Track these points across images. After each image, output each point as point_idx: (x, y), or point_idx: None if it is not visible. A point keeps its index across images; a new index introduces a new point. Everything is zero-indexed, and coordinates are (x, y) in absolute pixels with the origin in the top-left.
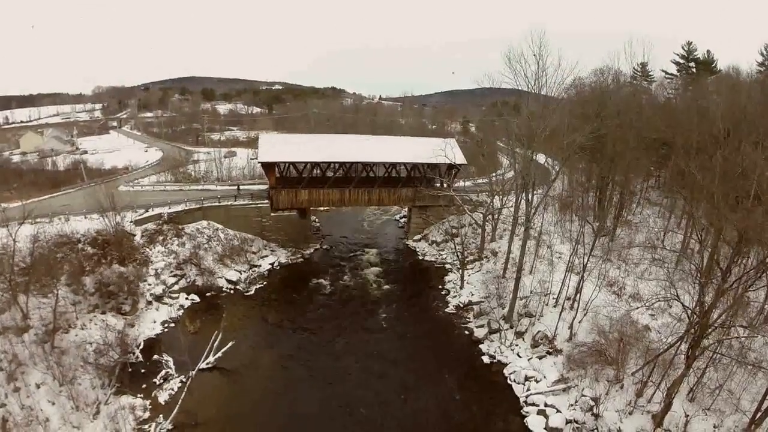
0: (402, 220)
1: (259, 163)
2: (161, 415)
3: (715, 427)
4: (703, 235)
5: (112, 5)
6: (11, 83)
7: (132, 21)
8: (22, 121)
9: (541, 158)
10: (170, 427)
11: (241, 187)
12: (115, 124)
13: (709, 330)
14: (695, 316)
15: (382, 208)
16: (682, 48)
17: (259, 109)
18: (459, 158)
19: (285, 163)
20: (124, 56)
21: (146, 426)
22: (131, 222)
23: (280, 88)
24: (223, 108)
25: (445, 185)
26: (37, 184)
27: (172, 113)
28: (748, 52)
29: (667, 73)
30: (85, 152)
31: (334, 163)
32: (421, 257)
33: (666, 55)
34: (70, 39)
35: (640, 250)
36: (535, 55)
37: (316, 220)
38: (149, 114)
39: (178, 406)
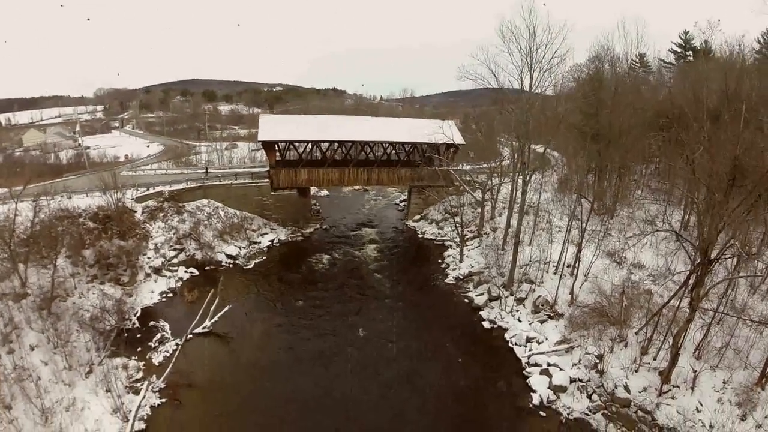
0: (402, 204)
1: (259, 141)
2: (154, 375)
3: (724, 382)
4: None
5: (112, 9)
6: (13, 86)
7: (133, 25)
8: (24, 123)
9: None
10: (163, 385)
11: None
12: (117, 124)
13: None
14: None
15: (382, 194)
16: (679, 37)
17: (260, 110)
18: (458, 138)
19: (285, 142)
20: (125, 60)
21: (138, 384)
22: (132, 199)
23: (281, 89)
24: (224, 108)
25: (443, 164)
26: (41, 173)
27: (173, 114)
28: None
29: (664, 62)
30: (88, 147)
31: (334, 142)
32: (420, 235)
33: (662, 41)
34: (72, 43)
35: (640, 226)
36: (526, 24)
37: (316, 203)
38: (151, 115)
39: (171, 365)
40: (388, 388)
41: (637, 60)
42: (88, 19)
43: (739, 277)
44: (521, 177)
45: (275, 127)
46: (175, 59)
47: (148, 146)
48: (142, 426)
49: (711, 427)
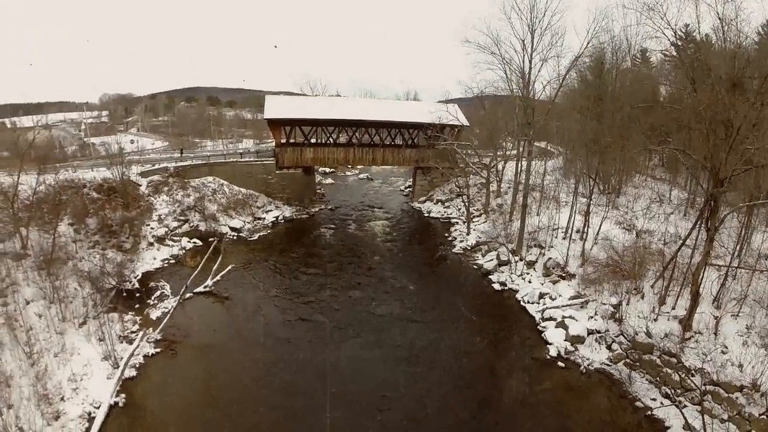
0: (407, 190)
1: (265, 119)
2: (150, 328)
3: (747, 327)
4: None
5: (117, 17)
6: (19, 92)
7: (137, 33)
8: (29, 126)
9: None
10: (158, 337)
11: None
12: (122, 128)
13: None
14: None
15: (387, 182)
16: (680, 30)
17: (263, 116)
18: (462, 119)
19: (290, 120)
20: (130, 67)
21: (133, 335)
22: (137, 174)
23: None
24: (229, 114)
25: (448, 143)
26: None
27: (178, 119)
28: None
29: (666, 55)
30: (93, 144)
31: (340, 122)
32: (426, 214)
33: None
34: (78, 50)
35: (646, 204)
36: None
37: (321, 188)
38: (156, 119)
39: (168, 317)
40: (400, 346)
41: (638, 56)
42: (88, 41)
43: (757, 203)
44: (525, 141)
45: (282, 105)
46: (178, 67)
47: (153, 143)
48: (133, 373)
49: (740, 365)
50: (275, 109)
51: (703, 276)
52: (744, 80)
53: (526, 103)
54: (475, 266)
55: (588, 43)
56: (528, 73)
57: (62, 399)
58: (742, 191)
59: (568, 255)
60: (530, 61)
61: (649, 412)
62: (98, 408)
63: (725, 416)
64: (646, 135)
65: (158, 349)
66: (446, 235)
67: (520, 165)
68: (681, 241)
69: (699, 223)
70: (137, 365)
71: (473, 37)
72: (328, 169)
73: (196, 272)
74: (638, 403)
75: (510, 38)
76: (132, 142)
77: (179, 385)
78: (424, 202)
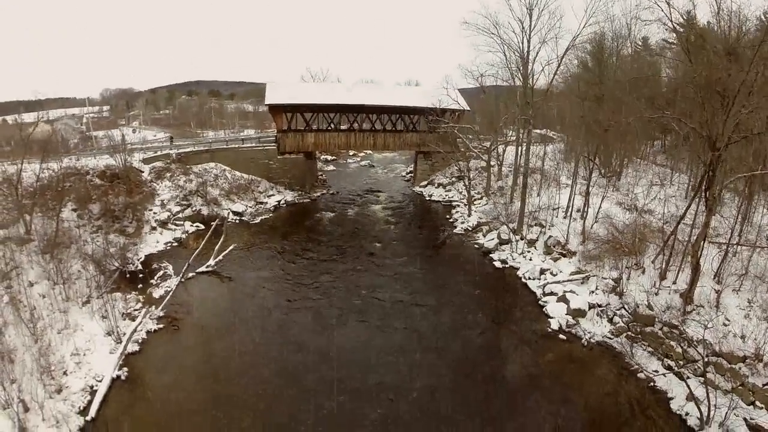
0: (408, 176)
1: (266, 105)
2: (153, 306)
3: (749, 302)
4: None
5: (116, 11)
6: (19, 88)
7: (138, 26)
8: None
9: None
10: (161, 314)
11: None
12: (123, 121)
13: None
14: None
15: (388, 168)
16: (682, 17)
17: (266, 108)
18: (462, 103)
19: (292, 106)
20: (131, 61)
21: (136, 312)
22: (140, 161)
23: None
24: (230, 106)
25: (449, 126)
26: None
27: (180, 112)
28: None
29: (667, 42)
30: (95, 136)
31: (341, 107)
32: (428, 198)
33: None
34: (78, 45)
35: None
36: None
37: (323, 174)
38: (157, 113)
39: (170, 295)
40: (404, 327)
41: (641, 43)
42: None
43: (755, 173)
44: (525, 120)
45: (283, 91)
46: (179, 62)
47: (155, 135)
48: (136, 348)
49: (743, 336)
50: (277, 94)
51: (702, 247)
52: (739, 50)
53: (525, 83)
54: (476, 246)
55: (586, 23)
56: (526, 53)
57: (65, 373)
58: (739, 161)
59: (568, 233)
60: (529, 41)
61: (652, 384)
62: (100, 381)
63: (728, 387)
64: (644, 106)
65: (161, 326)
66: (447, 216)
67: (520, 150)
68: (681, 213)
69: (698, 194)
70: (140, 340)
71: (472, 19)
72: (329, 157)
73: (198, 250)
74: (641, 375)
75: (509, 21)
76: (134, 131)
77: (181, 360)
78: (426, 186)
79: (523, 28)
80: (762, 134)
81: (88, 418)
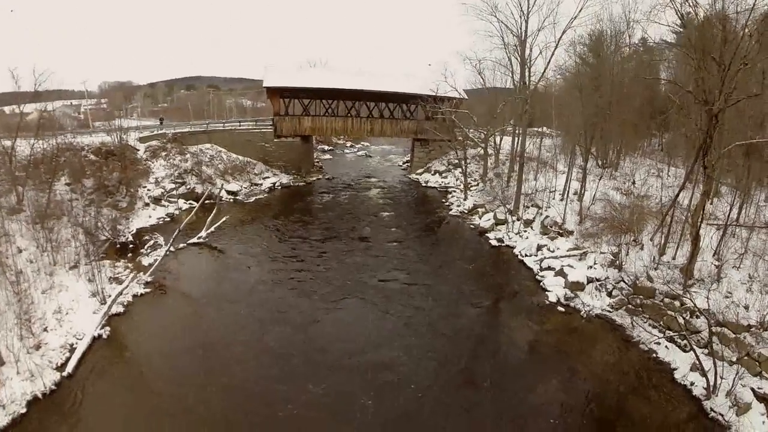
0: (405, 165)
1: (264, 88)
2: (141, 272)
3: (750, 277)
4: None
5: (114, 7)
6: (19, 80)
7: (138, 22)
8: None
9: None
10: (148, 279)
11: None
12: (121, 113)
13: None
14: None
15: (385, 157)
16: (680, 18)
17: (264, 104)
18: (460, 91)
19: (289, 89)
20: (130, 56)
21: (124, 277)
22: (136, 139)
23: None
24: (229, 102)
25: (447, 114)
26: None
27: (178, 105)
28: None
29: (666, 42)
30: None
31: (338, 92)
32: (424, 184)
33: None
34: (76, 39)
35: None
36: None
37: (319, 162)
38: (155, 106)
39: (159, 263)
40: (401, 303)
41: (640, 44)
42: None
43: (753, 141)
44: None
45: (279, 74)
46: (178, 57)
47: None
48: (121, 309)
49: (746, 306)
50: (274, 77)
51: (702, 217)
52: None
53: (522, 66)
54: (471, 226)
55: (585, 4)
56: (524, 33)
57: (45, 329)
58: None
59: (565, 213)
60: (526, 23)
61: (654, 354)
62: (81, 339)
63: (734, 358)
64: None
65: (147, 290)
66: (443, 201)
67: (517, 139)
68: (681, 183)
69: (698, 161)
70: (125, 303)
71: (470, 1)
72: (327, 147)
73: (188, 218)
74: (642, 346)
75: (506, 2)
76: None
77: (165, 324)
78: (422, 173)
79: (522, 11)
80: (759, 95)
81: (65, 373)
